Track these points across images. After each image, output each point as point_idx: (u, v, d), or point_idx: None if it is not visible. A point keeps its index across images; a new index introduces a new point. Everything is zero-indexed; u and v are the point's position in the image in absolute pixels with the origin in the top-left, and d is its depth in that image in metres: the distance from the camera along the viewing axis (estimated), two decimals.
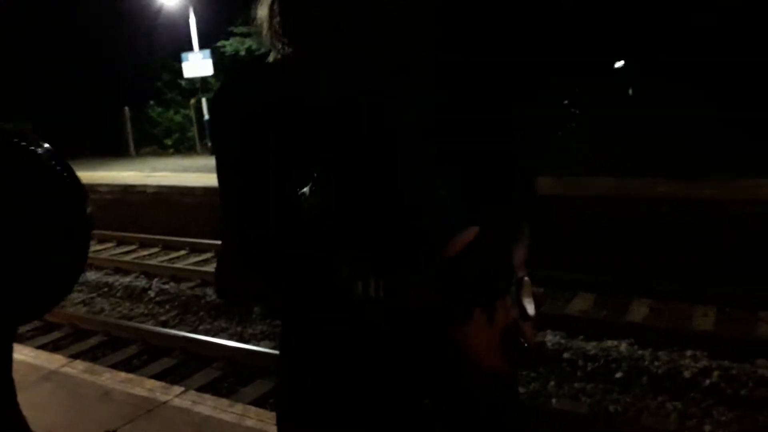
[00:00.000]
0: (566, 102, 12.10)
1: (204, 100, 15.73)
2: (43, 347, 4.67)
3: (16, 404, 1.57)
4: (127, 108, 16.78)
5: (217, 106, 0.98)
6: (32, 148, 1.39)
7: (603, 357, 4.20)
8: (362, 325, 0.95)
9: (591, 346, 4.35)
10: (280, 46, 0.93)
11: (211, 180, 9.66)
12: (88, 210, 1.42)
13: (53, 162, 1.38)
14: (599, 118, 11.13)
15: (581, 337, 4.48)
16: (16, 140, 1.38)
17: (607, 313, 5.02)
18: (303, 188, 0.88)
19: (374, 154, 0.92)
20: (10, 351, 1.72)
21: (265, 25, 0.94)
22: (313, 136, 0.90)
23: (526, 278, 1.03)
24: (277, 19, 0.93)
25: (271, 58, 0.93)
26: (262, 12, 0.95)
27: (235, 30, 15.06)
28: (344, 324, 0.95)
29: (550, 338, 4.47)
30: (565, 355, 4.25)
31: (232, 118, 0.95)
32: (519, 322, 0.99)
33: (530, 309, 1.01)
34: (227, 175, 0.96)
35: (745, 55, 9.80)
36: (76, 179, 1.44)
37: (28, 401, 1.64)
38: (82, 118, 17.18)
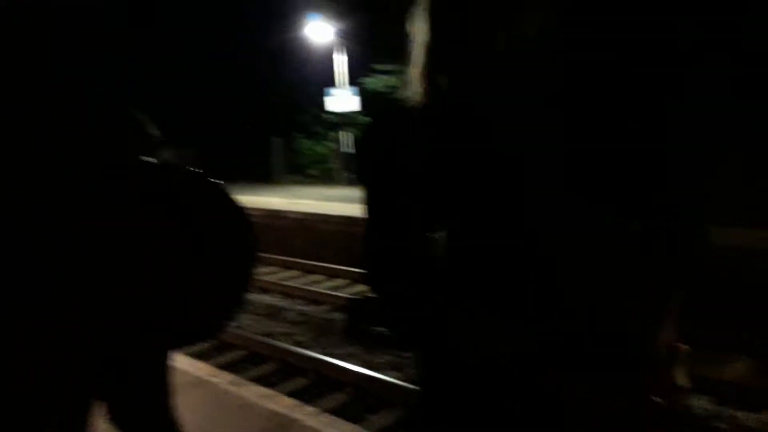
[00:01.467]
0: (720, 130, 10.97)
1: (347, 134, 16.50)
2: (192, 355, 5.08)
3: (172, 406, 1.76)
4: (277, 138, 18.06)
5: (362, 148, 1.05)
6: (208, 180, 1.56)
7: (760, 430, 3.76)
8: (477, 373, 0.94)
9: (746, 416, 3.91)
10: (426, 85, 0.95)
11: (349, 209, 10.08)
12: (254, 241, 1.55)
13: (226, 196, 1.54)
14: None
15: (735, 405, 4.04)
16: (193, 175, 1.56)
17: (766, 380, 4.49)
18: (434, 233, 0.91)
19: (509, 205, 0.91)
20: (170, 359, 1.92)
21: (418, 63, 0.97)
22: (448, 184, 0.91)
23: (681, 345, 0.94)
24: (429, 56, 0.96)
25: (412, 100, 0.96)
26: (418, 52, 0.98)
27: (378, 68, 15.69)
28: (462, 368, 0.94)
29: (699, 403, 4.09)
30: (717, 425, 3.86)
31: (373, 160, 1.01)
32: (667, 393, 0.92)
33: (682, 380, 0.93)
34: (369, 207, 1.02)
35: None
36: (244, 213, 1.58)
37: (179, 405, 1.82)
38: (237, 146, 18.74)
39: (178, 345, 1.86)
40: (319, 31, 16.80)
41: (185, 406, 2.45)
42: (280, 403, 3.49)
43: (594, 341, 0.89)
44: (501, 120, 0.92)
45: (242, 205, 1.54)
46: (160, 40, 19.39)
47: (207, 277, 1.48)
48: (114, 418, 1.66)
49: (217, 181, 1.58)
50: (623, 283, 0.92)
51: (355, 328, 5.70)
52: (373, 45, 13.93)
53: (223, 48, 19.51)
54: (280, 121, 18.17)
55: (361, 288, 7.26)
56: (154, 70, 18.83)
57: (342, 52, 16.52)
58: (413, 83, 0.98)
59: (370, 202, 1.01)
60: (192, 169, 1.65)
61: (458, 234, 0.93)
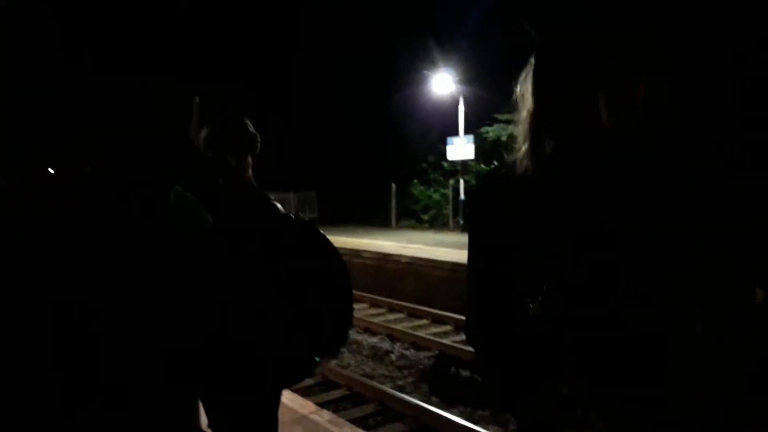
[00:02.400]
0: None
1: (462, 182, 16.58)
2: (296, 391, 5.22)
3: None
4: (393, 184, 18.50)
5: (473, 205, 1.06)
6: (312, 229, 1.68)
7: None
8: None
9: None
10: (531, 148, 0.94)
11: (459, 256, 10.03)
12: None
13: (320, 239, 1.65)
14: None
15: None
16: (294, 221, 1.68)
17: None
18: (533, 297, 0.89)
19: (611, 283, 0.86)
20: (278, 396, 2.00)
21: (524, 118, 0.97)
22: (550, 251, 0.89)
23: None
24: (533, 112, 0.95)
25: (520, 157, 0.96)
26: (525, 104, 0.97)
27: (500, 117, 15.70)
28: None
29: None
30: None
31: (482, 219, 1.02)
32: None
33: None
34: (472, 264, 1.02)
35: None
36: (338, 256, 1.69)
37: None
38: (356, 190, 19.41)
39: (281, 383, 1.94)
40: (442, 82, 17.21)
41: None
42: None
43: None
44: (608, 187, 0.88)
45: (334, 248, 1.63)
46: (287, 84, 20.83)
47: (304, 317, 1.57)
48: None
49: (310, 226, 1.69)
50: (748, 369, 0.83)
51: (438, 389, 5.56)
52: (496, 93, 14.03)
53: (350, 98, 20.56)
54: (399, 168, 18.68)
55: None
56: (281, 117, 20.21)
57: (461, 102, 16.78)
58: (519, 143, 0.98)
59: (474, 259, 1.01)
60: (286, 212, 1.78)
61: (561, 302, 0.90)
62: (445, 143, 17.41)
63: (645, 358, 0.84)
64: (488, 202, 1.01)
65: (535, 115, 0.95)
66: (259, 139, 1.97)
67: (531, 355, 0.91)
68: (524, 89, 0.97)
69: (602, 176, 0.89)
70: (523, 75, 0.98)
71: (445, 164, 17.96)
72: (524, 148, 0.96)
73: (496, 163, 15.57)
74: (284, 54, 22.11)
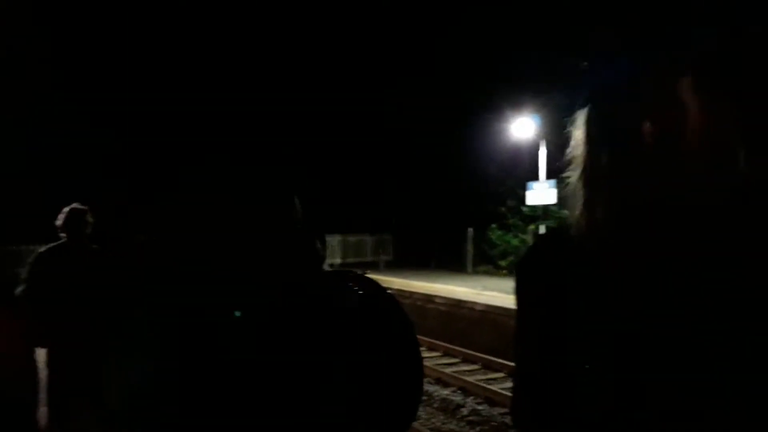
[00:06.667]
0: None
1: (543, 228, 16.02)
2: None
3: None
4: (470, 229, 18.14)
5: (522, 267, 0.96)
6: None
7: None
8: None
9: None
10: (582, 210, 0.84)
11: None
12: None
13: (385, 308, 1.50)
14: None
15: None
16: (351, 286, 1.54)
17: None
18: (581, 370, 0.80)
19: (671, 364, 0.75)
20: None
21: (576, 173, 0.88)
22: (599, 323, 0.79)
23: None
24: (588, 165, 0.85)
25: (573, 218, 0.86)
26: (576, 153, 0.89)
27: None
28: None
29: None
30: None
31: (530, 282, 0.93)
32: None
33: None
34: (520, 328, 0.94)
35: None
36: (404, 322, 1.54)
37: None
38: (433, 233, 19.19)
39: None
40: (523, 127, 16.85)
41: None
42: None
43: None
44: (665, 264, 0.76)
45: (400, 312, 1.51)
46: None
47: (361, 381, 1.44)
48: None
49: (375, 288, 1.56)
50: None
51: None
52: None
53: (427, 138, 20.57)
54: (476, 212, 18.37)
55: None
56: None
57: (543, 146, 16.33)
58: (572, 201, 0.89)
59: (522, 324, 0.93)
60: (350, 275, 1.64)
61: (611, 371, 0.79)
62: (524, 188, 16.96)
63: None
64: (536, 264, 0.93)
65: (585, 175, 0.88)
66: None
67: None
68: (576, 132, 0.91)
69: (659, 252, 0.77)
70: (576, 111, 0.90)
71: (525, 209, 17.45)
72: (576, 203, 0.87)
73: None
74: (365, 93, 22.49)
